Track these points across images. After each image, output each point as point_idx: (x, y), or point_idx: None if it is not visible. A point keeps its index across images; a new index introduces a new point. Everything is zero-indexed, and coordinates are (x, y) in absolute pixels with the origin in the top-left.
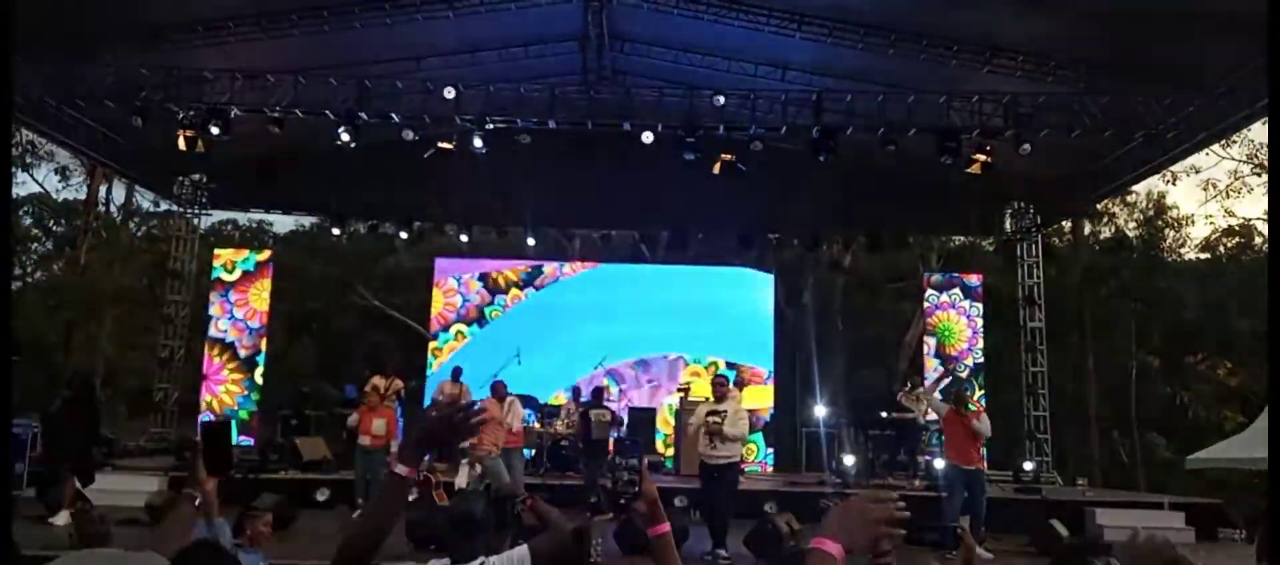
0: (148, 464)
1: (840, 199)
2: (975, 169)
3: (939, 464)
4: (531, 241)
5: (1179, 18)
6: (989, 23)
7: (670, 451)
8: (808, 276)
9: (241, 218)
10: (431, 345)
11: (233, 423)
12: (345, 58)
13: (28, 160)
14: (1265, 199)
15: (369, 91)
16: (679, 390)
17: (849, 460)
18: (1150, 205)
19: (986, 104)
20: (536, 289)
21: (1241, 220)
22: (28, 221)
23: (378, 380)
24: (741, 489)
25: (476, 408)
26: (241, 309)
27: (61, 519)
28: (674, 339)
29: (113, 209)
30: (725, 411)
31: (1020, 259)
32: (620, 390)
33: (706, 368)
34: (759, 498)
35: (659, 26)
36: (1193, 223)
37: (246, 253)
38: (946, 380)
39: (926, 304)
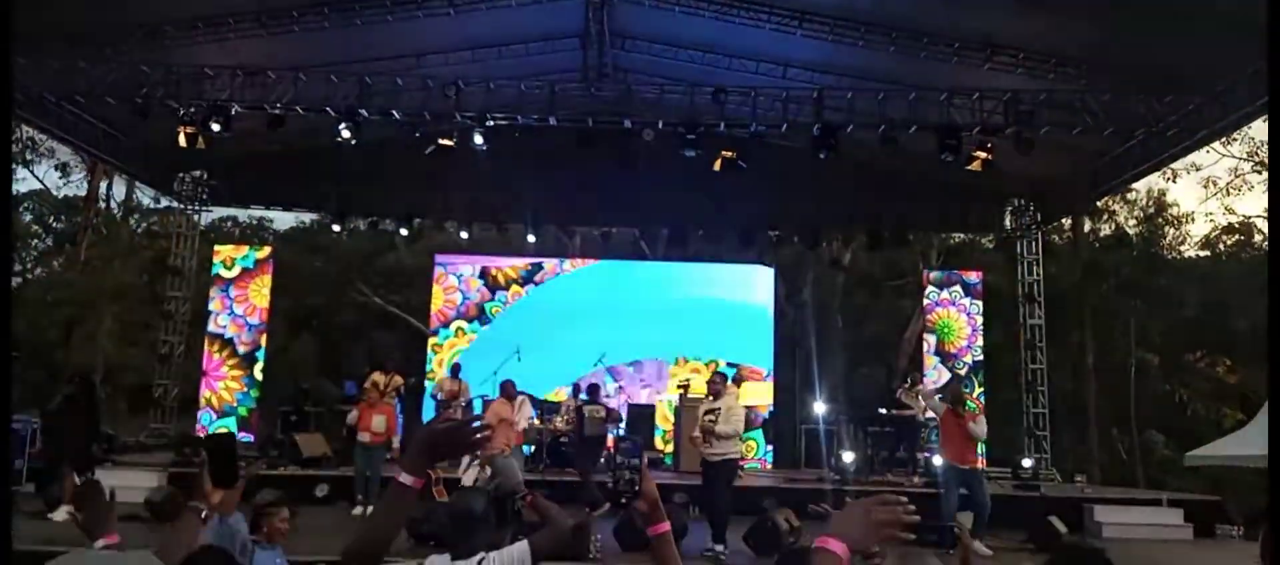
0: (148, 460)
1: (840, 196)
2: (976, 167)
3: (937, 461)
4: (532, 238)
5: (1179, 16)
6: (990, 20)
7: (669, 448)
8: (808, 274)
9: (242, 214)
10: (431, 341)
11: (235, 434)
12: (346, 54)
13: (28, 156)
14: (1265, 197)
15: (370, 88)
16: (679, 387)
17: (848, 457)
18: (1150, 203)
19: (987, 101)
20: (537, 286)
21: (1241, 218)
22: (28, 218)
23: (378, 377)
24: (741, 486)
25: (480, 419)
26: (241, 305)
27: (60, 515)
28: (673, 336)
29: (113, 205)
30: (719, 408)
31: (1020, 256)
32: (619, 386)
33: (707, 365)
34: (758, 494)
35: (660, 23)
36: (1193, 220)
37: (246, 249)
38: (947, 380)
39: (926, 301)
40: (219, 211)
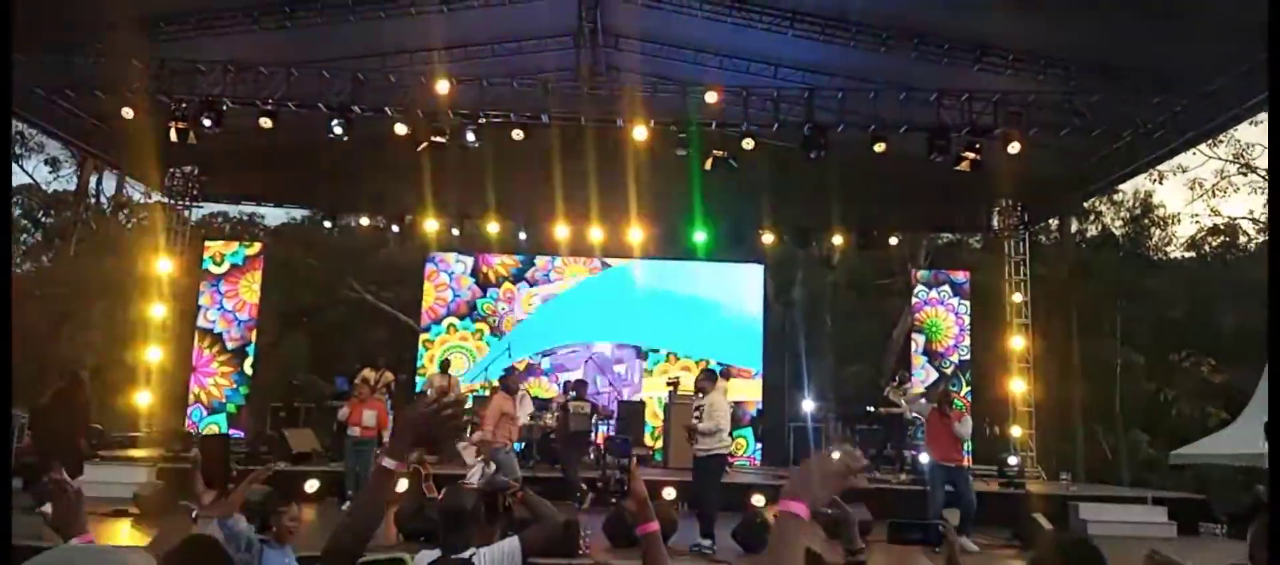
0: (136, 455)
1: (830, 196)
2: (965, 167)
3: (924, 459)
4: (523, 235)
5: (1168, 18)
6: (980, 22)
7: (659, 444)
8: (797, 272)
9: (233, 210)
10: (422, 338)
11: (227, 435)
12: (338, 51)
13: (17, 151)
14: (1251, 198)
15: (362, 85)
16: (668, 384)
17: (836, 454)
18: (1137, 204)
19: (976, 102)
20: (528, 283)
21: (1227, 219)
22: (17, 212)
23: (368, 373)
24: (730, 482)
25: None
26: (231, 300)
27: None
28: (663, 334)
29: (103, 200)
30: (703, 405)
31: (1007, 256)
32: (610, 383)
33: (697, 363)
34: (747, 491)
35: (652, 23)
36: (1179, 221)
37: (236, 245)
38: (934, 380)
39: (915, 300)
40: (210, 207)
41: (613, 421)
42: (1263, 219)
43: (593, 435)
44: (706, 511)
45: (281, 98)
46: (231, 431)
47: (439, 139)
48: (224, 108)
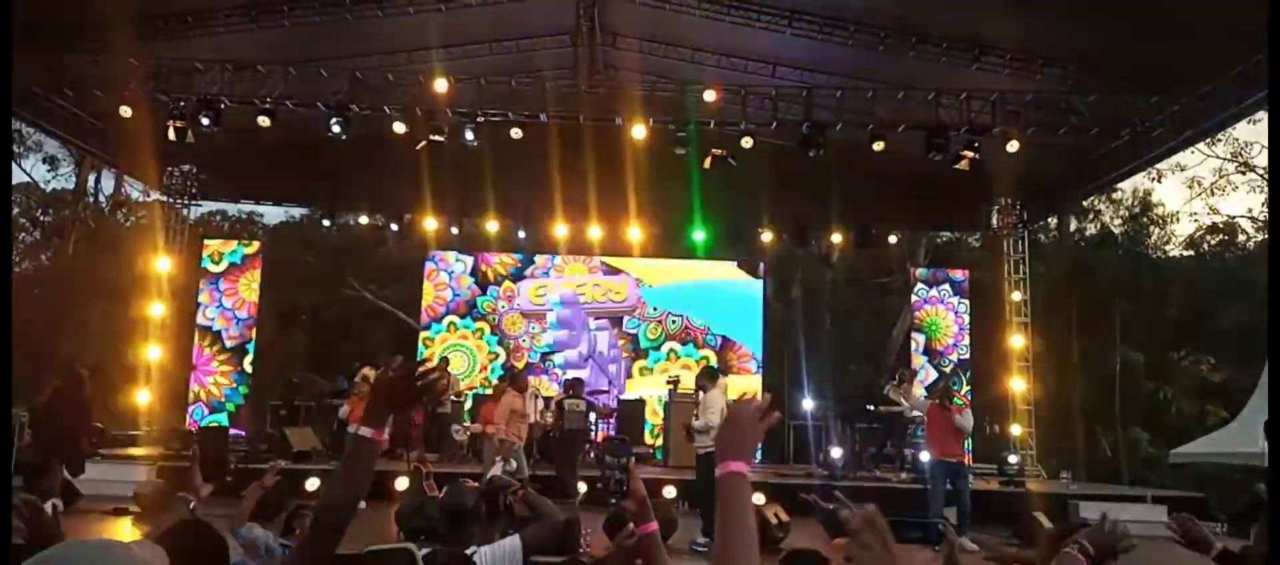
0: (136, 453)
1: (829, 194)
2: (963, 165)
3: (924, 457)
4: (522, 234)
5: (1165, 17)
6: (978, 21)
7: (659, 442)
8: (796, 271)
9: (231, 209)
10: (422, 336)
11: (227, 429)
12: (336, 49)
13: (16, 150)
14: (1250, 197)
15: (360, 83)
16: (668, 382)
17: (836, 452)
18: (1136, 202)
19: (975, 101)
20: (528, 281)
21: (1225, 218)
22: (16, 211)
23: (368, 371)
24: None
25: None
26: (230, 299)
27: (49, 509)
28: (662, 332)
29: (101, 199)
30: (701, 404)
31: (1006, 255)
32: (608, 381)
33: (697, 363)
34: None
35: (650, 21)
36: (1177, 220)
37: (235, 244)
38: (934, 379)
39: (914, 299)
40: (208, 205)
41: (612, 420)
42: (1262, 217)
43: (592, 434)
44: (708, 510)
45: (280, 96)
46: (232, 430)
47: (438, 137)
48: (222, 106)
